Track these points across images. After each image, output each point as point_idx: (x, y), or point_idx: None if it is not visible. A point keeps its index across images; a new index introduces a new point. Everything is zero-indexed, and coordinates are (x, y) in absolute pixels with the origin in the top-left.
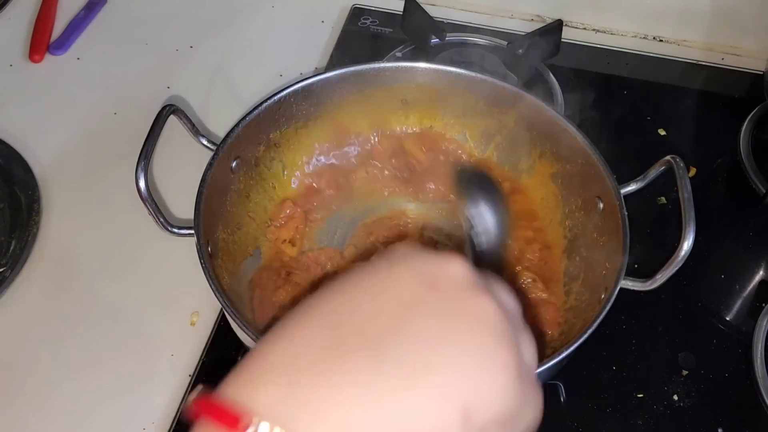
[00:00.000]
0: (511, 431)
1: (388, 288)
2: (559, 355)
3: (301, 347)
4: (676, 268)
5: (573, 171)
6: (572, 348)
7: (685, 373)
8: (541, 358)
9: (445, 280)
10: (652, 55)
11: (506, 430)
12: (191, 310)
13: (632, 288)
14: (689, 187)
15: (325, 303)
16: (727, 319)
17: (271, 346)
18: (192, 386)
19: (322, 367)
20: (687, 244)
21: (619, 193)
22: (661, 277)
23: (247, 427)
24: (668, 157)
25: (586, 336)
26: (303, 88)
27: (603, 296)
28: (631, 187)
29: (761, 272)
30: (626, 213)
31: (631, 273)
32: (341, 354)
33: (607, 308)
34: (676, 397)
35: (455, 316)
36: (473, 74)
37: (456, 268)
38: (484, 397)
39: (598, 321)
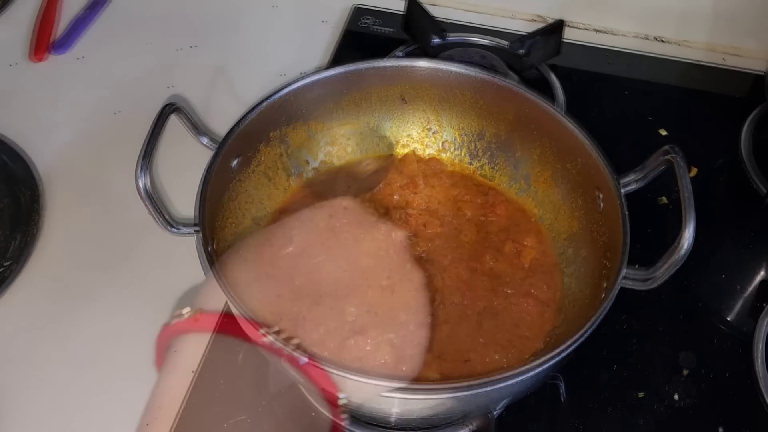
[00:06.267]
0: None
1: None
2: (560, 354)
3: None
4: (677, 267)
5: (573, 170)
6: (572, 347)
7: (685, 372)
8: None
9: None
10: (653, 55)
11: None
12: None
13: (632, 287)
14: (689, 184)
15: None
16: (728, 318)
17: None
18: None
19: None
20: (687, 242)
21: (620, 192)
22: (661, 276)
23: None
24: (667, 147)
25: (586, 335)
26: (303, 86)
27: (603, 295)
28: (630, 178)
29: (762, 272)
30: (627, 212)
31: (632, 272)
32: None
33: (608, 307)
34: (676, 397)
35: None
36: (474, 73)
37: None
38: None
39: (599, 320)
